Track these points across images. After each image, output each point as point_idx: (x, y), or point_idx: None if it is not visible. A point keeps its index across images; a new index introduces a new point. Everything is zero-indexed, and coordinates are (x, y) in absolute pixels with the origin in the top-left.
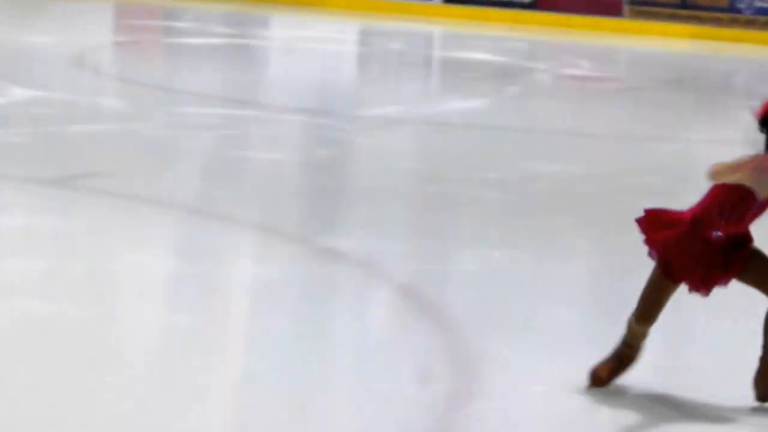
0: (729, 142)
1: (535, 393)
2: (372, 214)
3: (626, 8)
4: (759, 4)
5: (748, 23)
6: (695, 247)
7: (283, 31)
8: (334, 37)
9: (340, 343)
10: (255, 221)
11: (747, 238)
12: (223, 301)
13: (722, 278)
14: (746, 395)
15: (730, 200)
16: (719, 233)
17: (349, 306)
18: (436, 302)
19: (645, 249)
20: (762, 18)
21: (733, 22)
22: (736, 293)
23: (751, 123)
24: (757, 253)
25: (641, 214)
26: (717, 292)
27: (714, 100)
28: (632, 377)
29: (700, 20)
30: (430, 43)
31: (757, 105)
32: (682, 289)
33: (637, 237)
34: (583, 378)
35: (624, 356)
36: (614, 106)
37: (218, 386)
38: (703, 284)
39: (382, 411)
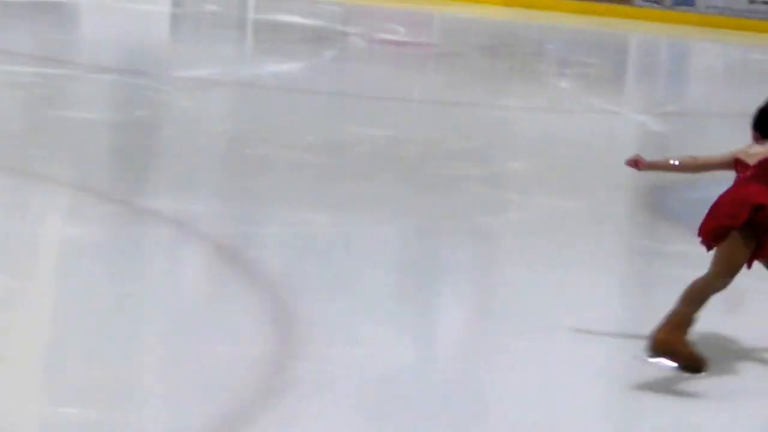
0: (542, 109)
1: (354, 354)
2: (188, 176)
3: None
4: None
5: None
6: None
7: None
8: None
9: (155, 304)
10: (69, 181)
11: None
12: (37, 260)
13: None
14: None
15: None
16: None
17: (165, 267)
18: (254, 264)
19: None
20: None
21: None
22: None
23: (562, 90)
24: None
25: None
26: None
27: (527, 68)
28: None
29: None
30: (245, 6)
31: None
32: None
33: (457, 200)
34: (401, 338)
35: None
36: (430, 71)
37: (26, 349)
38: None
39: (202, 372)
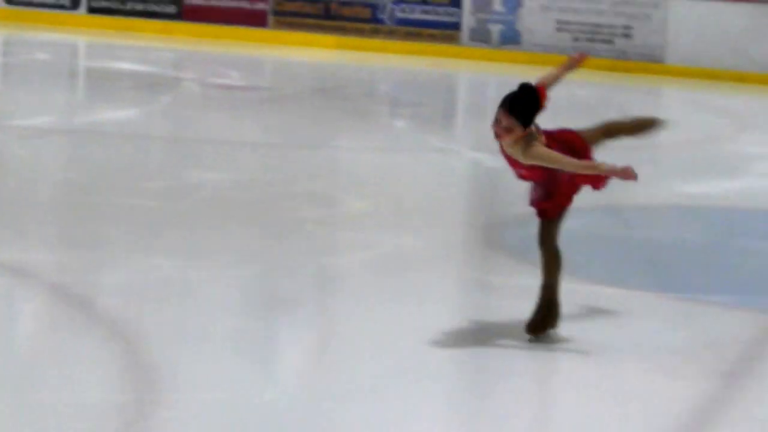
0: (378, 149)
1: (209, 400)
2: (29, 225)
3: (271, 19)
4: (400, 15)
5: (390, 33)
6: None
7: None
8: None
9: (4, 356)
10: None
11: None
12: None
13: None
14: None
15: None
16: None
17: (8, 319)
18: (101, 312)
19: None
20: (403, 28)
21: (375, 33)
22: None
23: (397, 130)
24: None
25: None
26: None
27: (359, 108)
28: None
29: (345, 30)
30: (77, 54)
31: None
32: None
33: (301, 242)
34: (253, 379)
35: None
36: (264, 115)
37: None
38: None
39: (56, 424)
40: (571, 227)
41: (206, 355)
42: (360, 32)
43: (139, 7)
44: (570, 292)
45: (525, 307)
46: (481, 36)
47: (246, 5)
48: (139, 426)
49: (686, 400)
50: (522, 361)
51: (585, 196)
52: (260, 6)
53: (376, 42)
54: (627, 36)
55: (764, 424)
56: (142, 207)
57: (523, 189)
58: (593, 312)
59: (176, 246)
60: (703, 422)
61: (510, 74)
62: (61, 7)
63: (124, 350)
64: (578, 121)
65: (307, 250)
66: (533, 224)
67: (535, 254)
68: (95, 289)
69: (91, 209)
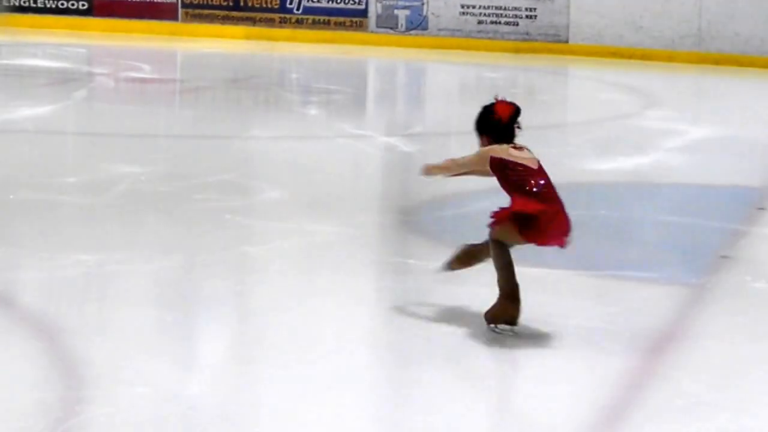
0: (293, 138)
1: (138, 395)
2: None
3: (181, 12)
4: (307, 4)
5: (299, 23)
6: None
7: None
8: None
9: None
10: None
11: None
12: None
13: None
14: None
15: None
16: None
17: None
18: (22, 310)
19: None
20: (311, 17)
21: (284, 22)
22: None
23: (310, 118)
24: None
25: None
26: None
27: (271, 98)
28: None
29: (254, 21)
30: None
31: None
32: None
33: (220, 233)
34: (178, 375)
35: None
36: (178, 107)
37: None
38: None
39: None
40: (484, 208)
41: (128, 350)
42: (269, 22)
43: (51, 3)
44: (486, 273)
45: (443, 289)
46: (388, 22)
47: None
48: (67, 424)
49: (612, 377)
50: (443, 344)
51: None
52: None
53: (285, 31)
54: (531, 17)
55: (691, 397)
56: (58, 202)
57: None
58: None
59: (94, 241)
60: (630, 399)
61: (418, 59)
62: None
63: (46, 348)
64: (484, 101)
65: (225, 241)
66: (448, 207)
67: (452, 236)
68: (14, 286)
69: (7, 206)
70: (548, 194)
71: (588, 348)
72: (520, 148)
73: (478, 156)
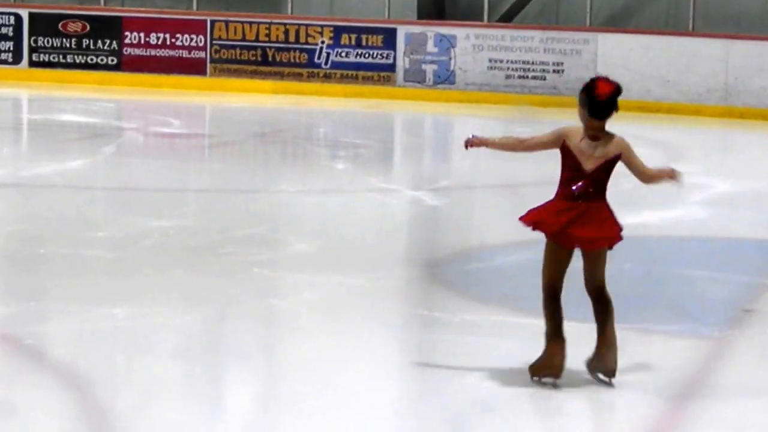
0: (319, 192)
1: None
2: None
3: (210, 66)
4: (335, 59)
5: (327, 77)
6: None
7: None
8: None
9: None
10: None
11: None
12: None
13: None
14: None
15: None
16: None
17: None
18: (56, 363)
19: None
20: (339, 71)
21: (312, 77)
22: None
23: (337, 172)
24: None
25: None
26: None
27: (299, 152)
28: None
29: (282, 75)
30: (20, 107)
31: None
32: None
33: (249, 285)
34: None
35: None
36: (206, 161)
37: None
38: None
39: None
40: (510, 263)
41: (157, 401)
42: (297, 77)
43: (80, 59)
44: (515, 326)
45: (471, 341)
46: (415, 76)
47: (185, 54)
48: None
49: (636, 428)
50: (472, 396)
51: (519, 230)
52: (199, 54)
53: (313, 85)
54: (558, 72)
55: None
56: (89, 256)
57: (462, 225)
58: (539, 344)
59: (123, 294)
60: None
61: (445, 112)
62: (3, 62)
63: (75, 398)
64: (512, 156)
65: (253, 294)
66: (474, 260)
67: (477, 289)
68: (45, 339)
69: (38, 261)
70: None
71: (612, 399)
72: (598, 139)
73: (555, 135)
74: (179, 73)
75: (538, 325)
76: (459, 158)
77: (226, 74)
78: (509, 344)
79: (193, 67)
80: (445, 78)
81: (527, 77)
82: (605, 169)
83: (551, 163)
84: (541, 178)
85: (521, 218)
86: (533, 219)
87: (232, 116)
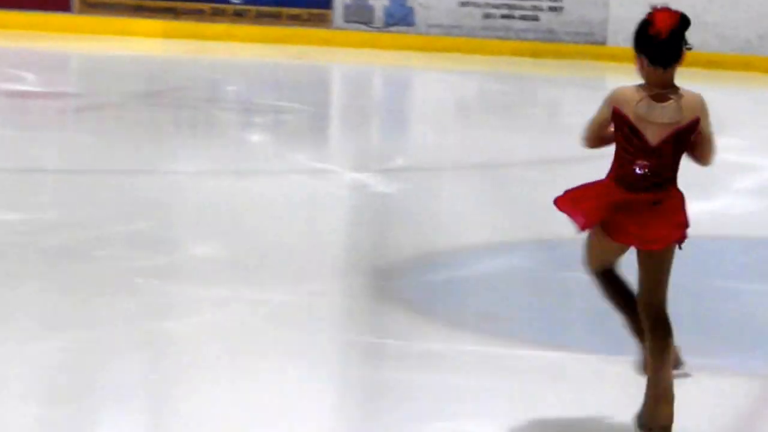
0: (229, 173)
1: None
2: None
3: (77, 0)
4: None
5: (238, 15)
6: None
7: None
8: None
9: None
10: None
11: None
12: None
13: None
14: None
15: None
16: None
17: None
18: None
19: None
20: (255, 8)
21: (218, 15)
22: None
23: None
24: None
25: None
26: None
27: (200, 118)
28: None
29: (176, 13)
30: None
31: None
32: None
33: (127, 302)
34: None
35: None
36: (71, 131)
37: None
38: None
39: None
40: (486, 271)
41: None
42: (198, 15)
43: None
44: (494, 358)
45: (435, 380)
46: (359, 15)
47: None
48: None
49: None
50: None
51: (502, 228)
52: None
53: (220, 27)
54: (556, 10)
55: None
56: None
57: (423, 221)
58: (527, 384)
59: None
60: None
61: (400, 65)
62: None
63: None
64: (492, 124)
65: (135, 314)
66: (441, 267)
67: (444, 307)
68: None
69: None
70: (641, 185)
71: None
72: (664, 99)
73: (605, 103)
74: (35, 10)
75: (526, 357)
76: (419, 128)
77: (98, 10)
78: (488, 384)
79: (53, 2)
80: (401, 18)
81: (513, 17)
82: (678, 141)
83: (546, 137)
84: (533, 155)
85: (556, 200)
86: (571, 206)
87: (108, 69)
